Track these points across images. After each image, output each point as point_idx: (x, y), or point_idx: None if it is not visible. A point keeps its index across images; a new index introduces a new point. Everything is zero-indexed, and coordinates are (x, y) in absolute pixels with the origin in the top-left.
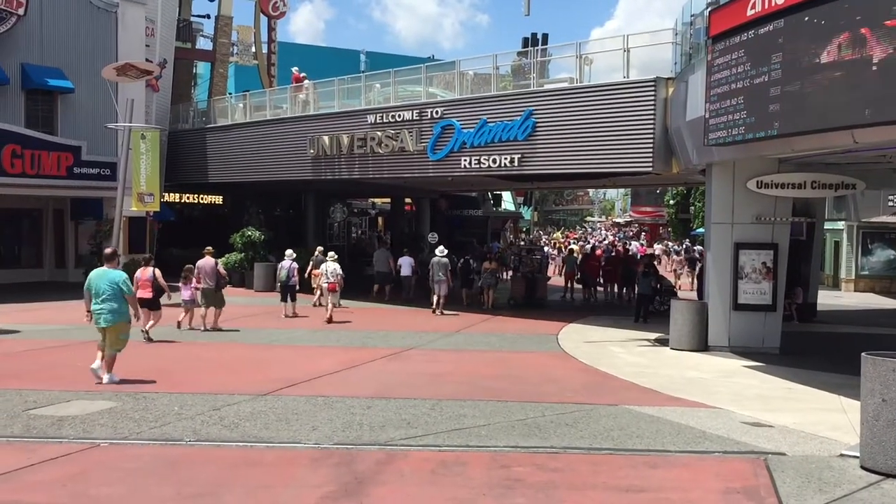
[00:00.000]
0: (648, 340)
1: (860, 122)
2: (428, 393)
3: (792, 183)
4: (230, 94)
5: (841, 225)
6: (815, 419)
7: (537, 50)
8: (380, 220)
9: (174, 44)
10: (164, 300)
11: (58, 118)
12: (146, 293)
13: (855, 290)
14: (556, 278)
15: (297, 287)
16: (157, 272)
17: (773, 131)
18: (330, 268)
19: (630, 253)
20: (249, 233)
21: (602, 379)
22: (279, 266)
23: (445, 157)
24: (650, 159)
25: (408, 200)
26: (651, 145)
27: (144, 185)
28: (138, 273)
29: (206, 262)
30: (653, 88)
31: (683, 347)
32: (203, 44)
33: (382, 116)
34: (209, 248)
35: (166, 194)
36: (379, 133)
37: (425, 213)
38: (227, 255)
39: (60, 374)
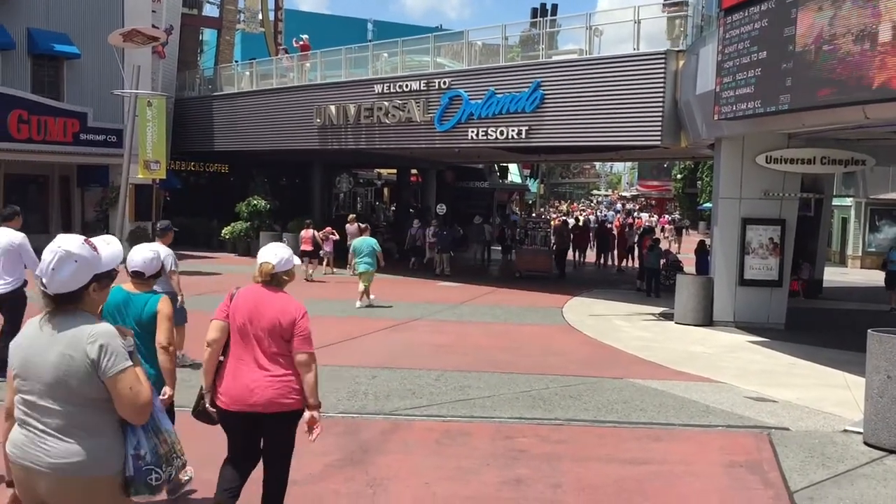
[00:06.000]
0: (653, 314)
1: (872, 97)
2: (433, 364)
3: (801, 158)
4: (236, 61)
5: (849, 201)
6: (820, 395)
7: (546, 20)
8: (386, 190)
9: (181, 10)
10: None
11: (64, 84)
12: (307, 247)
13: (861, 267)
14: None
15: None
16: (317, 233)
17: (783, 106)
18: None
19: (607, 224)
20: (255, 202)
21: (607, 352)
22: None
23: (452, 129)
24: (659, 133)
25: (414, 172)
26: (660, 118)
27: (150, 153)
28: (302, 233)
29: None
30: (663, 61)
31: (688, 322)
32: (209, 11)
33: (389, 86)
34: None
35: (172, 162)
36: (386, 103)
37: (431, 185)
38: (232, 224)
39: None
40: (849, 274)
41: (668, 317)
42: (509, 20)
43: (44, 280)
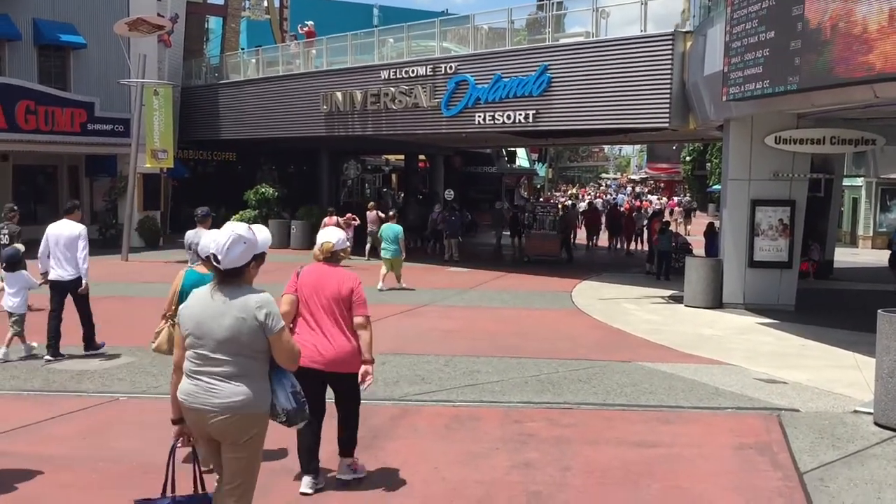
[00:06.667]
0: (663, 297)
1: (880, 76)
2: (442, 349)
3: (811, 138)
4: (242, 49)
5: (860, 181)
6: (830, 376)
7: (553, 3)
8: (393, 176)
9: None
10: None
11: (71, 74)
12: None
13: (872, 248)
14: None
15: None
16: (340, 219)
17: (792, 86)
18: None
19: (619, 207)
20: (263, 190)
21: (616, 336)
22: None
23: (459, 113)
24: (667, 115)
25: (422, 157)
26: (668, 100)
27: (158, 142)
28: (325, 219)
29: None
30: (670, 42)
31: (698, 305)
32: None
33: (396, 72)
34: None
35: (180, 151)
36: (392, 89)
37: (439, 170)
38: (241, 213)
39: (79, 328)
40: (860, 254)
41: (677, 300)
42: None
43: (218, 257)
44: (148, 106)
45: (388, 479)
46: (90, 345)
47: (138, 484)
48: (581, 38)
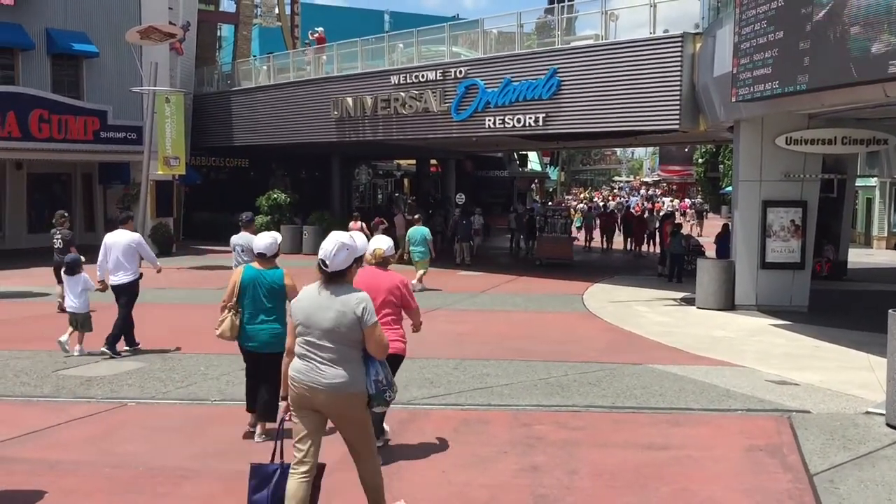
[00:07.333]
0: (674, 300)
1: (890, 75)
2: (451, 352)
3: (822, 139)
4: (254, 56)
5: (873, 181)
6: (843, 377)
7: (562, 6)
8: (405, 181)
9: (197, 6)
10: None
11: (83, 83)
12: None
13: (887, 248)
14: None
15: None
16: (364, 224)
17: (801, 86)
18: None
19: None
20: (275, 196)
21: (627, 338)
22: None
23: (469, 118)
24: (677, 117)
25: (433, 162)
26: (678, 102)
27: (170, 149)
28: (350, 224)
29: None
30: (680, 44)
31: (710, 307)
32: (226, 6)
33: (406, 77)
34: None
35: (192, 158)
36: (402, 94)
37: (451, 175)
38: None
39: (90, 335)
40: (874, 255)
41: (689, 302)
42: (525, 7)
43: (326, 261)
44: (160, 113)
45: (395, 483)
46: (112, 345)
47: (145, 489)
48: (590, 41)
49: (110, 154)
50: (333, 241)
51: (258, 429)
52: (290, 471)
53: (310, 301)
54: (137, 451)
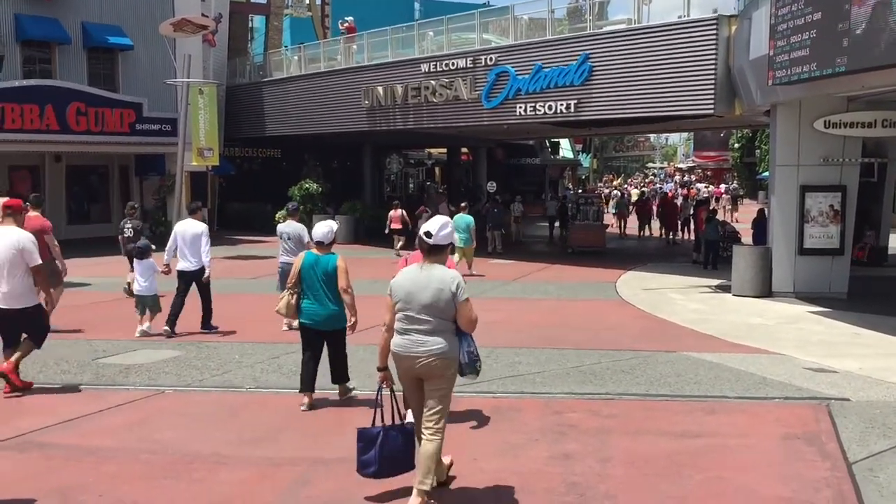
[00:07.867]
0: (710, 287)
1: None
2: (483, 341)
3: (861, 122)
4: (285, 47)
5: None
6: (882, 364)
7: None
8: (436, 170)
9: None
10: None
11: (119, 75)
12: (397, 225)
13: None
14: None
15: None
16: (404, 213)
17: (840, 68)
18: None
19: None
20: (307, 185)
21: (661, 326)
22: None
23: (500, 105)
24: (712, 101)
25: (464, 150)
26: (713, 86)
27: (204, 140)
28: (391, 213)
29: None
30: (715, 27)
31: (746, 294)
32: None
33: (436, 65)
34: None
35: (226, 149)
36: (433, 82)
37: (482, 163)
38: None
39: (128, 325)
40: None
41: (725, 289)
42: None
43: (431, 233)
44: (193, 105)
45: None
46: (207, 324)
47: (181, 475)
48: (623, 26)
49: (146, 146)
50: (439, 220)
51: (305, 399)
52: (421, 435)
53: (411, 280)
54: (174, 437)
